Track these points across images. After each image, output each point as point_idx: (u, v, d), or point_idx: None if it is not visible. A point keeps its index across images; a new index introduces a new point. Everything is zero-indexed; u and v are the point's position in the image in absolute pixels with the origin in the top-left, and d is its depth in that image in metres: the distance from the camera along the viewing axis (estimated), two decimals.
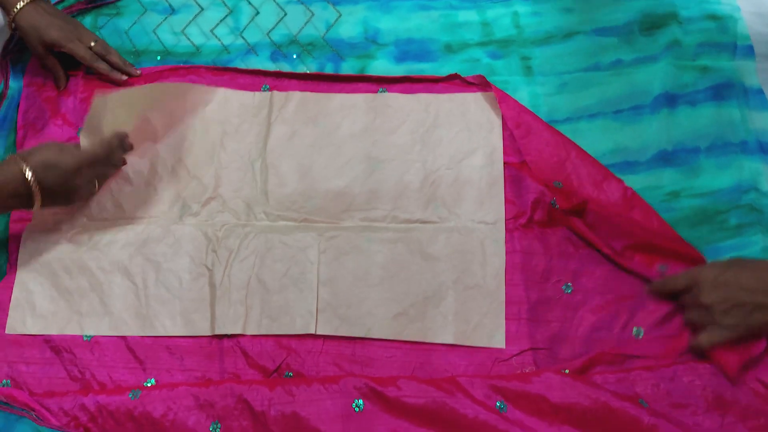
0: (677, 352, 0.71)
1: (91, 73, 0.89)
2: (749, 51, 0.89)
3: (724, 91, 0.87)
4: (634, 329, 0.73)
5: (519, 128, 0.83)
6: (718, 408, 0.68)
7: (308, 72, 0.90)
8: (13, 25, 0.85)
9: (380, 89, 0.87)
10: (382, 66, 0.91)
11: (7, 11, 0.84)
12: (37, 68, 0.90)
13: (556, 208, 0.78)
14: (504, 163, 0.82)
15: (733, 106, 0.86)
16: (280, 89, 0.88)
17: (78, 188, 0.73)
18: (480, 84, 0.87)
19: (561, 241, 0.77)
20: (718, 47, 0.89)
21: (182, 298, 0.75)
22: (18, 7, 0.84)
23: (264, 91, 0.88)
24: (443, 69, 0.90)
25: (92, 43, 0.87)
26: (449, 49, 0.92)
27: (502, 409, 0.68)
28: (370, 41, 0.93)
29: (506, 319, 0.74)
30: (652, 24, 0.91)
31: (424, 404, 0.68)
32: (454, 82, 0.87)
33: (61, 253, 0.77)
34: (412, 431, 0.67)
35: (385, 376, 0.71)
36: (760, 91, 0.87)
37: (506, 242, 0.78)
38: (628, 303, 0.74)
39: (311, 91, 0.88)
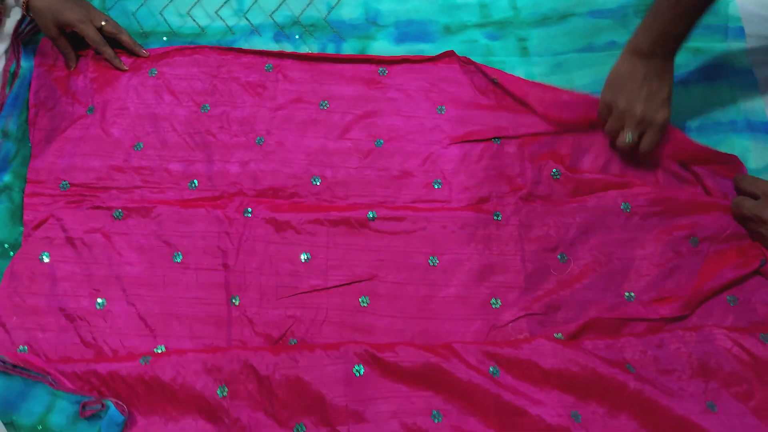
0: (667, 315, 0.74)
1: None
2: (740, 32, 0.92)
3: (715, 71, 0.89)
4: (626, 293, 0.76)
5: (542, 103, 0.86)
6: (703, 374, 0.71)
7: (310, 52, 0.93)
8: (27, 7, 0.87)
9: (380, 69, 0.90)
10: (382, 47, 0.93)
11: None
12: (48, 49, 0.92)
13: (557, 179, 0.81)
14: (501, 138, 0.85)
15: (724, 86, 0.89)
16: (282, 69, 0.91)
17: None
18: (471, 64, 0.90)
19: (559, 213, 0.80)
20: (710, 29, 0.92)
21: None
22: None
23: (267, 70, 0.91)
24: (442, 50, 0.92)
25: (103, 23, 0.90)
26: (448, 30, 0.95)
27: (495, 374, 0.71)
28: (371, 23, 0.96)
29: (503, 287, 0.77)
30: (646, 6, 0.93)
31: (421, 369, 0.71)
32: (449, 60, 0.90)
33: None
34: (410, 394, 0.71)
35: (385, 342, 0.74)
36: (750, 72, 0.89)
37: (504, 216, 0.80)
38: (621, 268, 0.77)
39: (312, 70, 0.90)
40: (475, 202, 0.82)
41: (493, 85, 0.88)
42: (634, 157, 0.83)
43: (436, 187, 0.83)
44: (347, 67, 0.91)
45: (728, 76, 0.89)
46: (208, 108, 0.88)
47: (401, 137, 0.86)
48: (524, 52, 0.93)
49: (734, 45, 0.91)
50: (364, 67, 0.91)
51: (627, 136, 0.80)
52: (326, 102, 0.88)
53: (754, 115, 0.87)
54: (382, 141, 0.85)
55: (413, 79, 0.89)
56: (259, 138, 0.86)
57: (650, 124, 0.79)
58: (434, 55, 0.91)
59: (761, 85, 0.88)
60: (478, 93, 0.88)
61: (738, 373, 0.71)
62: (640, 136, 0.80)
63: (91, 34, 0.89)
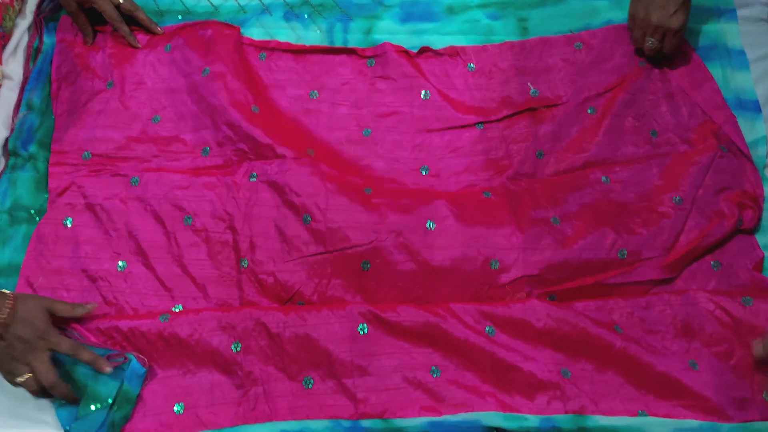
0: (655, 278, 0.79)
1: None
2: (732, 14, 0.95)
3: (708, 52, 0.93)
4: (619, 252, 0.80)
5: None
6: (686, 335, 0.76)
7: (302, 44, 0.96)
8: None
9: (368, 61, 0.94)
10: (388, 26, 0.97)
11: None
12: (68, 26, 0.96)
13: (541, 159, 0.87)
14: (484, 123, 0.90)
15: (716, 66, 0.92)
16: (275, 59, 0.94)
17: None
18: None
19: (546, 187, 0.84)
20: (703, 11, 0.95)
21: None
22: None
23: (261, 59, 0.94)
24: (445, 29, 0.96)
25: (121, 0, 0.93)
26: (451, 10, 0.98)
27: (491, 333, 0.76)
28: (377, 3, 0.99)
29: (502, 249, 0.80)
30: None
31: (421, 328, 0.75)
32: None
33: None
34: (411, 351, 0.75)
35: (387, 303, 0.78)
36: (742, 52, 0.93)
37: (494, 194, 0.84)
38: (612, 228, 0.81)
39: (304, 62, 0.94)
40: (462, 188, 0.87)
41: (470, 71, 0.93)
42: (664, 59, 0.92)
43: (423, 173, 0.87)
44: (336, 59, 0.94)
45: (721, 56, 0.93)
46: (208, 71, 0.90)
47: (389, 126, 0.90)
48: (524, 31, 0.96)
49: (727, 26, 0.94)
50: (353, 58, 0.95)
51: (648, 42, 0.89)
52: (316, 92, 0.92)
53: (745, 93, 0.90)
54: (369, 131, 0.90)
55: (399, 67, 0.93)
56: (254, 106, 0.89)
57: (667, 30, 0.87)
58: (419, 48, 0.95)
59: (752, 65, 0.92)
60: (461, 77, 0.93)
61: (719, 334, 0.76)
62: (663, 41, 0.88)
63: (109, 11, 0.92)
